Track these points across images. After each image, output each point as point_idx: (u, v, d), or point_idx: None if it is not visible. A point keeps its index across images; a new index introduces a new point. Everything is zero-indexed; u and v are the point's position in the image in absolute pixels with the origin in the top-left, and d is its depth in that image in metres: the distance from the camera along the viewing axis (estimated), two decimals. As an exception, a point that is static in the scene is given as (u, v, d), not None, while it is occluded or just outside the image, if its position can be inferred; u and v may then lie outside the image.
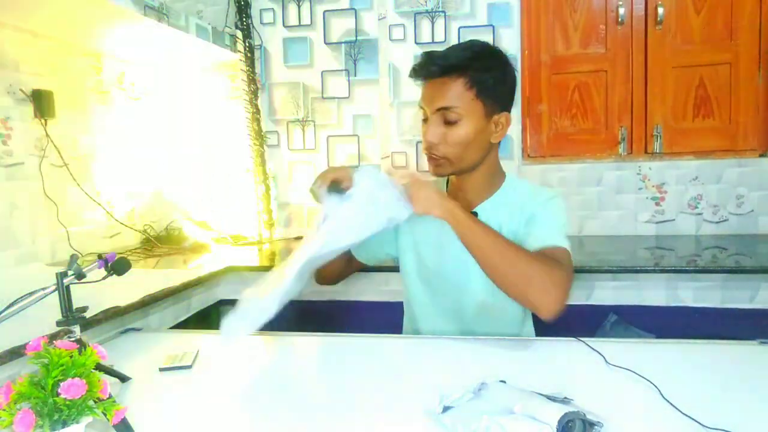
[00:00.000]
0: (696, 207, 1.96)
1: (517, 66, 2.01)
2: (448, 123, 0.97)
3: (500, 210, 1.06)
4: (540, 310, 0.89)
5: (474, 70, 0.96)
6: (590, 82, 2.04)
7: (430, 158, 1.02)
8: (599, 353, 0.86)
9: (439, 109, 0.97)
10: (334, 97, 2.16)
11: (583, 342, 0.91)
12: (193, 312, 1.51)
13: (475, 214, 1.05)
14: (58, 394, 0.55)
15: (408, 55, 2.07)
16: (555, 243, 0.96)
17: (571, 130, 2.07)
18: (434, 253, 1.09)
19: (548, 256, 0.92)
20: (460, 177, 1.06)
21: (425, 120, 1.02)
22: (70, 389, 0.55)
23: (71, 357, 0.58)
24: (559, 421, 0.59)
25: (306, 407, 0.75)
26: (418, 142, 2.10)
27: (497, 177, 1.09)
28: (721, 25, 1.92)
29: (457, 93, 0.96)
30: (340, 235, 0.93)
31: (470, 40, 1.01)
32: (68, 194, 1.78)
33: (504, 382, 0.73)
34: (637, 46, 1.98)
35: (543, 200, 1.03)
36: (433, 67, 0.97)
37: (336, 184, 0.95)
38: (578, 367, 0.84)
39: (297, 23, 2.16)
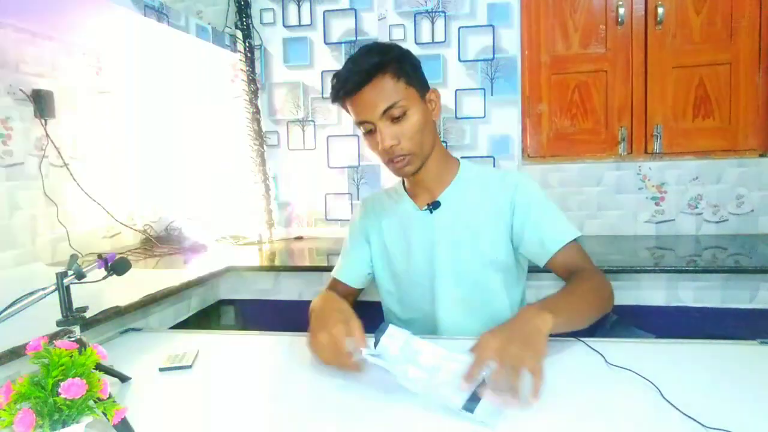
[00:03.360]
0: (696, 207, 1.96)
1: (517, 66, 2.01)
2: (397, 119, 0.98)
3: (466, 194, 1.09)
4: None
5: (391, 63, 0.98)
6: (590, 82, 2.04)
7: (395, 161, 1.02)
8: (599, 353, 0.86)
9: (385, 111, 0.97)
10: (334, 97, 2.16)
11: (583, 342, 0.91)
12: (193, 312, 1.52)
13: (439, 203, 1.08)
14: (58, 394, 0.55)
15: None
16: (569, 238, 1.03)
17: (571, 130, 2.07)
18: (402, 256, 1.12)
19: (585, 269, 1.01)
20: (417, 171, 1.06)
21: (370, 132, 1.01)
22: (70, 389, 0.55)
23: (71, 357, 0.58)
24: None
25: (306, 407, 0.75)
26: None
27: (451, 162, 1.12)
28: (721, 25, 1.92)
29: (392, 88, 0.98)
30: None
31: (364, 47, 1.02)
32: (68, 194, 1.78)
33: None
34: (637, 46, 1.98)
35: (522, 186, 1.07)
36: (359, 76, 0.97)
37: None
38: (578, 367, 0.84)
39: (297, 23, 2.16)
